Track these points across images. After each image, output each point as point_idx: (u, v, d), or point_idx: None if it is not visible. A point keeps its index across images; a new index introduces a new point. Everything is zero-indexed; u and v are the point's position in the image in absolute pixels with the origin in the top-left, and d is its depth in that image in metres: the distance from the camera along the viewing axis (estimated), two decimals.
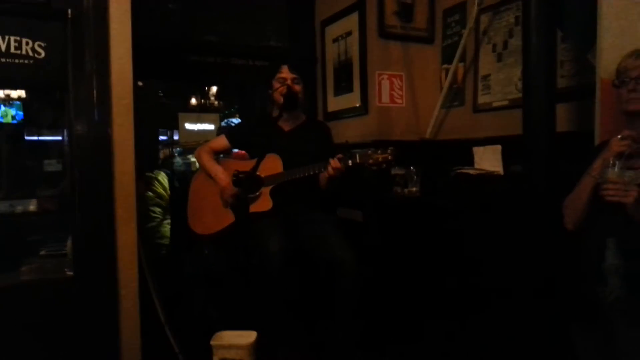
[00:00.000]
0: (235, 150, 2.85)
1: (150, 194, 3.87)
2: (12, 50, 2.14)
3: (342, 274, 2.21)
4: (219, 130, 4.05)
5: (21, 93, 3.34)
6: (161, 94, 4.94)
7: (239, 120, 4.24)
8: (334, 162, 2.25)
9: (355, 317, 2.25)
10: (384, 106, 3.17)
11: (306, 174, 2.34)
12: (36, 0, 2.14)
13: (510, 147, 2.57)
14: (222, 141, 2.69)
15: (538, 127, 2.17)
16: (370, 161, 2.25)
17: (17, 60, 2.15)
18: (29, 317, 2.16)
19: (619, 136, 1.55)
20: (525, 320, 2.08)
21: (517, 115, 2.32)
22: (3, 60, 2.12)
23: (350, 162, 2.26)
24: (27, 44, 2.16)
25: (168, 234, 3.75)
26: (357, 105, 3.28)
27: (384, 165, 2.25)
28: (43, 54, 2.19)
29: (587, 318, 1.59)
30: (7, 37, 2.13)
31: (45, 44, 2.19)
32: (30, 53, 2.17)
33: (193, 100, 6.46)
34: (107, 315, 2.25)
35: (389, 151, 2.24)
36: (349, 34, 3.34)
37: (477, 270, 2.37)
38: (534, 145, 2.18)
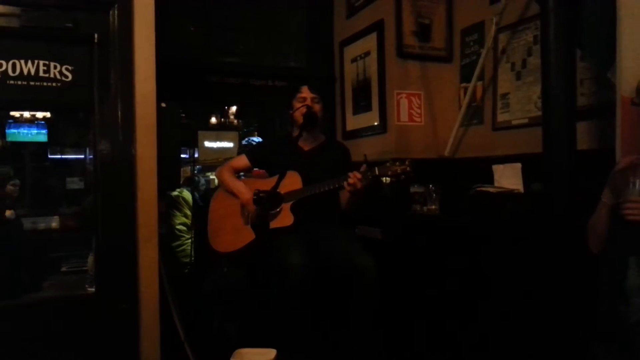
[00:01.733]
0: (255, 169, 2.88)
1: (177, 212, 3.92)
2: (41, 73, 2.22)
3: (362, 280, 2.21)
4: (240, 149, 4.10)
5: (46, 113, 3.44)
6: (182, 114, 5.03)
7: (259, 139, 4.29)
8: (354, 174, 2.27)
9: (371, 329, 2.24)
10: (403, 125, 3.18)
11: (326, 189, 2.35)
12: (64, 25, 2.22)
13: (530, 165, 2.55)
14: (243, 160, 2.73)
15: (558, 145, 2.15)
16: (389, 173, 2.26)
17: (45, 84, 2.24)
18: (50, 332, 2.20)
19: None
20: (547, 339, 2.04)
21: (537, 133, 2.31)
22: (32, 83, 2.21)
23: (369, 174, 2.27)
24: (55, 67, 2.25)
25: (191, 252, 3.79)
26: (376, 123, 3.29)
27: (403, 177, 2.26)
28: (70, 77, 2.27)
29: (609, 338, 1.56)
30: (36, 62, 2.22)
31: (72, 67, 2.27)
32: (58, 76, 2.25)
33: (213, 119, 6.55)
34: (128, 331, 2.28)
35: (406, 162, 2.24)
36: (367, 54, 3.38)
37: (497, 289, 2.34)
38: (555, 163, 2.16)
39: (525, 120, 2.75)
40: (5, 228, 2.55)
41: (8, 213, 2.56)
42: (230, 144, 5.44)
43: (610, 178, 1.55)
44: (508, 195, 2.58)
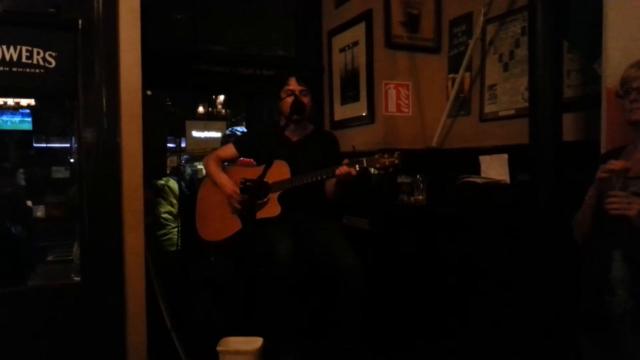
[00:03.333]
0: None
1: (162, 201, 3.90)
2: (24, 59, 2.18)
3: (347, 280, 2.22)
4: (223, 138, 4.08)
5: (30, 101, 3.38)
6: (169, 103, 4.99)
7: (243, 129, 4.26)
8: (342, 167, 2.26)
9: (358, 323, 2.25)
10: (391, 115, 3.18)
11: (314, 180, 2.35)
12: (47, 10, 2.18)
13: (516, 156, 2.57)
14: (230, 150, 2.72)
15: (544, 136, 2.17)
16: (377, 165, 2.26)
17: (28, 70, 2.19)
18: (36, 322, 2.18)
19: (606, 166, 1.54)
20: (532, 329, 2.07)
21: (524, 124, 2.33)
22: (15, 69, 2.17)
23: (357, 166, 2.27)
24: (38, 53, 2.20)
25: (177, 240, 3.77)
26: (364, 114, 3.29)
27: (391, 169, 2.26)
28: (54, 64, 2.23)
29: (594, 328, 1.59)
30: (18, 47, 2.18)
31: (55, 54, 2.23)
32: (41, 62, 2.21)
33: (200, 109, 6.51)
34: (114, 320, 2.27)
35: (395, 155, 2.25)
36: (355, 44, 3.36)
37: (483, 279, 2.37)
38: (541, 154, 2.18)
39: (512, 112, 2.77)
40: None
41: None
42: (218, 134, 5.40)
43: (596, 180, 1.57)
44: (494, 185, 2.60)
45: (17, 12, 2.15)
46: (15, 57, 2.16)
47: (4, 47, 2.15)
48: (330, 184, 2.50)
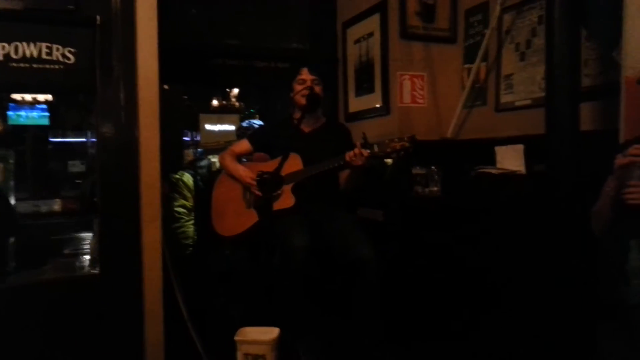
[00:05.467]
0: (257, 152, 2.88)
1: (176, 195, 3.94)
2: (44, 56, 2.21)
3: (364, 271, 2.23)
4: (239, 130, 4.10)
5: (47, 96, 3.43)
6: (185, 97, 5.02)
7: (260, 122, 4.28)
8: (354, 150, 2.26)
9: (374, 313, 2.27)
10: (406, 106, 3.17)
11: (326, 169, 2.36)
12: (66, 7, 2.21)
13: (533, 147, 2.55)
14: (245, 145, 2.74)
15: (561, 126, 2.15)
16: (388, 150, 2.26)
17: (48, 66, 2.23)
18: (54, 314, 2.22)
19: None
20: (549, 320, 2.06)
21: (540, 114, 2.30)
22: (35, 66, 2.21)
23: (368, 151, 2.27)
24: (57, 49, 2.24)
25: (192, 234, 3.81)
26: (379, 105, 3.28)
27: (402, 152, 2.26)
28: (73, 59, 2.27)
29: (611, 319, 1.58)
30: (38, 44, 2.21)
31: (74, 50, 2.26)
32: (61, 59, 2.25)
33: (215, 102, 6.54)
34: (132, 312, 2.30)
35: (406, 138, 2.24)
36: (370, 35, 3.35)
37: (499, 271, 2.36)
38: (558, 145, 2.15)
39: (529, 102, 2.74)
40: None
41: None
42: (231, 127, 5.42)
43: (615, 170, 1.55)
44: (510, 176, 2.59)
45: (37, 10, 2.18)
46: (35, 54, 2.20)
47: (25, 44, 2.18)
48: (343, 175, 2.50)
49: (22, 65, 2.19)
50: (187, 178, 4.06)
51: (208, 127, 5.37)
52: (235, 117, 5.80)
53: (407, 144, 2.24)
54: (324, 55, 3.70)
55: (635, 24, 1.84)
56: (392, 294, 2.47)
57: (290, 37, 3.75)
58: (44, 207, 2.91)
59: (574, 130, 2.13)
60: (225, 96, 6.64)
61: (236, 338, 2.05)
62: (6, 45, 2.17)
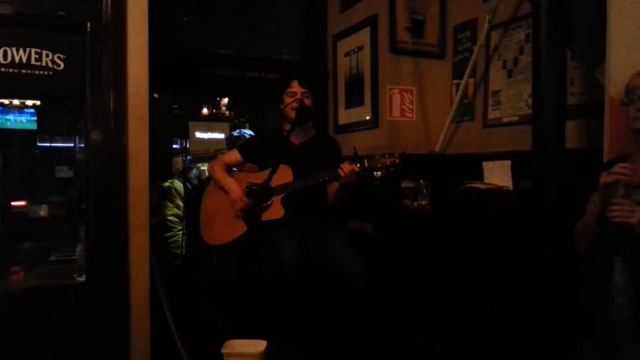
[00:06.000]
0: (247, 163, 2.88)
1: (169, 203, 3.92)
2: (33, 61, 2.20)
3: (351, 284, 2.23)
4: (229, 139, 4.10)
5: (35, 101, 3.39)
6: (175, 105, 5.00)
7: (251, 132, 4.29)
8: (344, 166, 2.28)
9: (359, 324, 2.27)
10: (395, 120, 3.20)
11: (316, 182, 2.37)
12: (57, 13, 2.20)
13: (519, 163, 2.58)
14: (235, 155, 2.73)
15: (547, 143, 2.19)
16: (378, 165, 2.28)
17: (37, 72, 2.22)
18: (39, 321, 2.19)
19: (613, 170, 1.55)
20: (533, 336, 2.08)
21: (527, 130, 2.34)
22: (24, 71, 2.19)
23: (358, 165, 2.29)
24: (47, 55, 2.23)
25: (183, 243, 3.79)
26: (368, 118, 3.31)
27: (392, 168, 2.28)
28: (62, 66, 2.26)
29: (595, 335, 1.60)
30: (27, 50, 2.20)
31: (64, 56, 2.25)
32: (50, 65, 2.23)
33: (204, 110, 6.53)
34: (118, 321, 2.28)
35: (396, 155, 2.26)
36: (360, 48, 3.38)
37: (485, 285, 2.38)
38: (544, 161, 2.19)
39: (516, 118, 2.78)
40: None
41: None
42: (221, 135, 5.41)
43: (600, 187, 1.58)
44: (497, 191, 2.62)
45: (27, 15, 2.17)
46: (24, 59, 2.18)
47: (14, 49, 2.17)
48: (332, 189, 2.51)
49: (10, 70, 2.17)
50: (178, 185, 4.04)
51: (198, 134, 5.36)
52: (225, 125, 5.79)
53: (397, 161, 2.26)
54: (314, 67, 3.72)
55: (618, 46, 1.89)
56: (380, 305, 2.47)
57: (281, 49, 3.77)
58: (30, 212, 2.87)
59: (560, 148, 2.17)
60: (215, 105, 6.64)
61: (223, 351, 2.04)
62: None
